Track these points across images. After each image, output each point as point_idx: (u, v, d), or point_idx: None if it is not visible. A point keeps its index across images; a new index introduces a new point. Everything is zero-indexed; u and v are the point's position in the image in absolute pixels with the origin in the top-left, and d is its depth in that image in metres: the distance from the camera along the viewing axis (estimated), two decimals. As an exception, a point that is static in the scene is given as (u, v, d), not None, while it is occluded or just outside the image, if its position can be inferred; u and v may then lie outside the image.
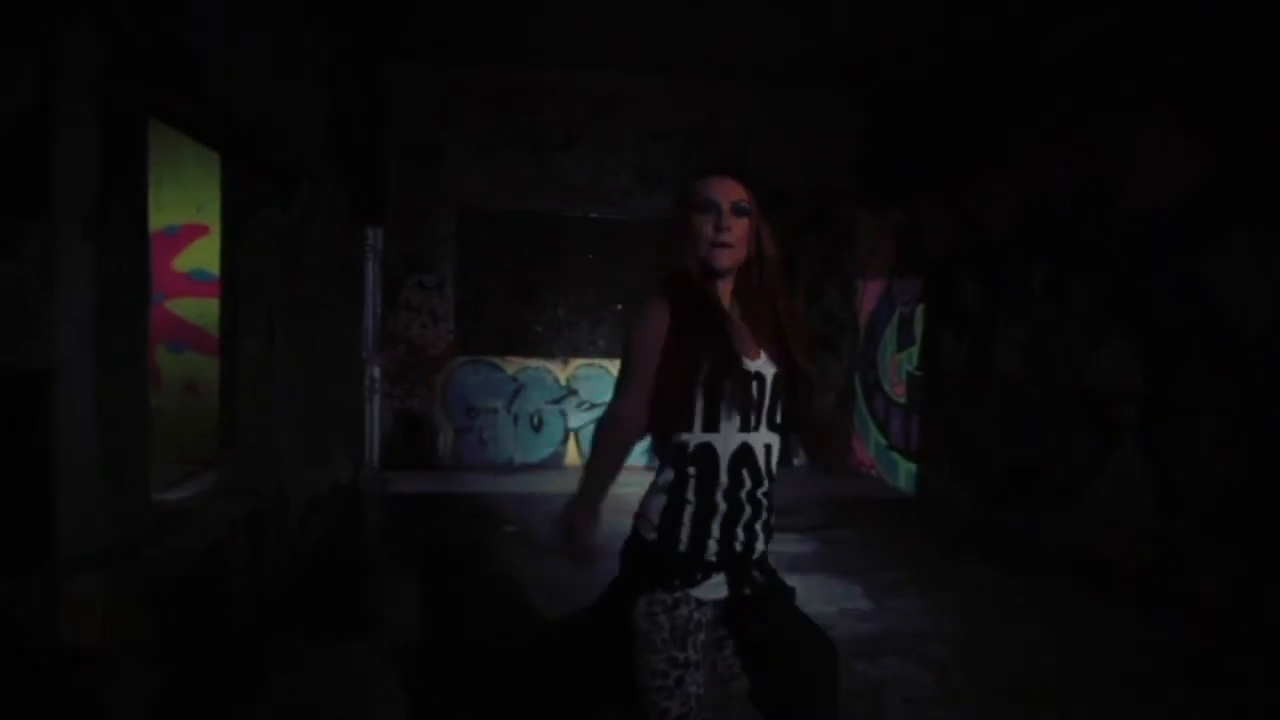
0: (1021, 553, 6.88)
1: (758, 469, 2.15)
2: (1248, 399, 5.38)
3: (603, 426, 2.19)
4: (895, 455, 9.62)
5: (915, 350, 9.24)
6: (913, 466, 9.22)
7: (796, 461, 10.53)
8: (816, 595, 5.58)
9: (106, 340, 2.73)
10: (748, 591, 2.16)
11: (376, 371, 9.50)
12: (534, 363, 10.09)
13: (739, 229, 2.15)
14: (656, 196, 10.02)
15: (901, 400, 9.53)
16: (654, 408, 2.11)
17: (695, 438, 2.11)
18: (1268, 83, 5.28)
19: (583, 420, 10.13)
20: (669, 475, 2.15)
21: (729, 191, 2.15)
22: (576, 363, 10.15)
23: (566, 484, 8.44)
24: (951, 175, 8.61)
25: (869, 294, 10.30)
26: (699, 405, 2.10)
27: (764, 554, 2.22)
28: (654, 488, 2.17)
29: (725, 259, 2.16)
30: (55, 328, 2.53)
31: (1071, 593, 5.97)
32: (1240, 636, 5.20)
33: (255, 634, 4.60)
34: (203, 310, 6.96)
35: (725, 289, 2.22)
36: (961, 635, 5.11)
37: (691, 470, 2.11)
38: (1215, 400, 5.62)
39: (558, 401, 10.12)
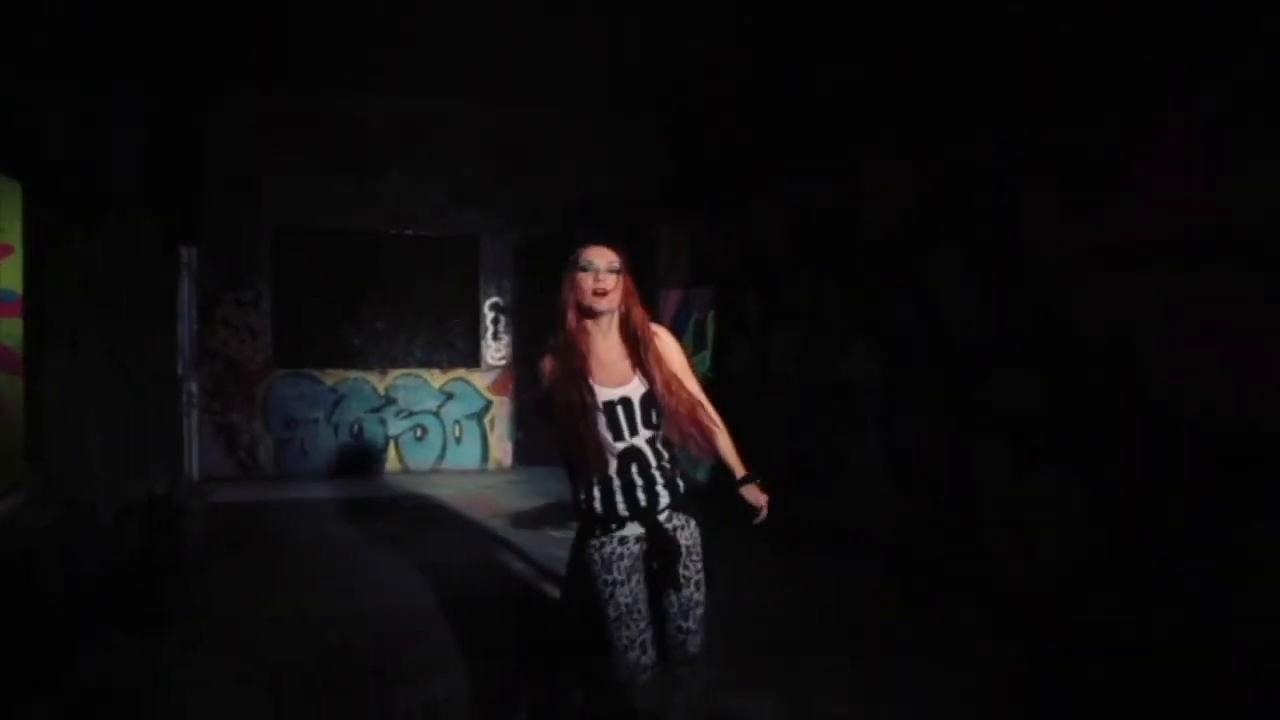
0: (794, 534, 7.74)
1: (645, 460, 3.05)
2: (952, 387, 6.38)
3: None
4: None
5: (708, 354, 10.09)
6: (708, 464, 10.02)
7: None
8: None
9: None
10: (660, 530, 3.13)
11: (194, 387, 9.66)
12: (353, 374, 10.45)
13: (610, 282, 3.00)
14: (469, 213, 10.57)
15: (698, 401, 10.31)
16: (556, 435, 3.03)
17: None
18: (952, 123, 6.31)
19: (401, 428, 10.56)
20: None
21: (603, 255, 3.01)
22: (395, 373, 10.57)
23: (387, 489, 8.75)
24: (736, 195, 9.53)
25: (670, 302, 11.11)
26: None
27: (680, 502, 3.19)
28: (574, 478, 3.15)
29: (602, 304, 2.99)
30: None
31: (829, 564, 6.86)
32: (948, 582, 6.21)
33: (70, 631, 4.92)
34: (10, 329, 7.02)
35: (607, 330, 3.06)
36: (725, 604, 5.85)
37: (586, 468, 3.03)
38: (930, 389, 6.61)
39: (377, 410, 10.51)
